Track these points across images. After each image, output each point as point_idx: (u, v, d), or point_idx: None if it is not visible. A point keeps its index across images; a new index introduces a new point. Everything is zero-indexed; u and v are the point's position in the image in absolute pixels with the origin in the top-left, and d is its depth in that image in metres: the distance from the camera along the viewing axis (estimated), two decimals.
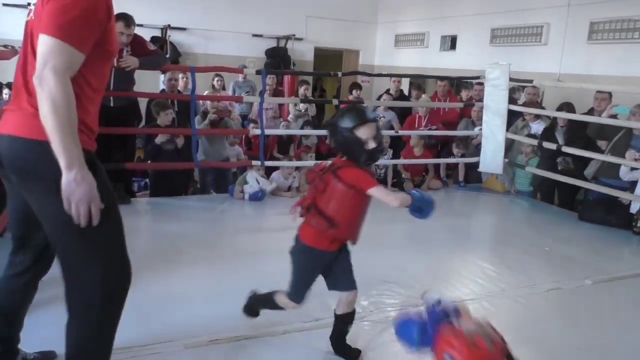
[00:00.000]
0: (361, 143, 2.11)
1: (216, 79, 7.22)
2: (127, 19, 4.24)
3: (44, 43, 1.53)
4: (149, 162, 5.20)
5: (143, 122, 5.45)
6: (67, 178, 1.50)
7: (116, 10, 1.82)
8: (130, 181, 5.33)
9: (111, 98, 4.45)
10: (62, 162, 1.49)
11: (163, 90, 5.65)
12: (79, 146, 1.52)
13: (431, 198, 2.16)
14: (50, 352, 2.17)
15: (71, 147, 1.50)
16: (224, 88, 7.34)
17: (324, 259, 2.23)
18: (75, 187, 1.51)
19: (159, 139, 4.85)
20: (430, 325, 1.69)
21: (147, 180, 5.69)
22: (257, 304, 2.48)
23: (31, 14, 1.72)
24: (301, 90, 7.16)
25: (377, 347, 2.48)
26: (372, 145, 2.12)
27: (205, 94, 6.40)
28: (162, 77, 5.82)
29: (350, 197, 2.14)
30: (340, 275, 2.28)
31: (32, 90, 1.58)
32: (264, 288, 2.46)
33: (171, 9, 8.77)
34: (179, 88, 6.50)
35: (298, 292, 2.26)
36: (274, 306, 2.37)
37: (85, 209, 1.54)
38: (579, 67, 6.25)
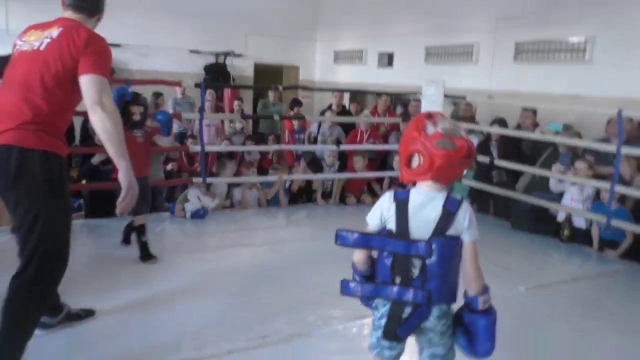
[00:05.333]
0: None
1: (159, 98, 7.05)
2: None
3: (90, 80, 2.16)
4: (83, 182, 4.99)
5: (77, 141, 5.24)
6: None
7: None
8: None
9: None
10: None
11: None
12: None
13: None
14: (90, 310, 2.70)
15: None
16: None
17: None
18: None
19: (95, 159, 4.68)
20: None
21: (82, 200, 5.44)
22: None
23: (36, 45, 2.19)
24: (235, 106, 7.07)
25: None
26: None
27: None
28: None
29: None
30: None
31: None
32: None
33: (103, 25, 8.47)
34: None
35: None
36: None
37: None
38: (507, 85, 6.62)
